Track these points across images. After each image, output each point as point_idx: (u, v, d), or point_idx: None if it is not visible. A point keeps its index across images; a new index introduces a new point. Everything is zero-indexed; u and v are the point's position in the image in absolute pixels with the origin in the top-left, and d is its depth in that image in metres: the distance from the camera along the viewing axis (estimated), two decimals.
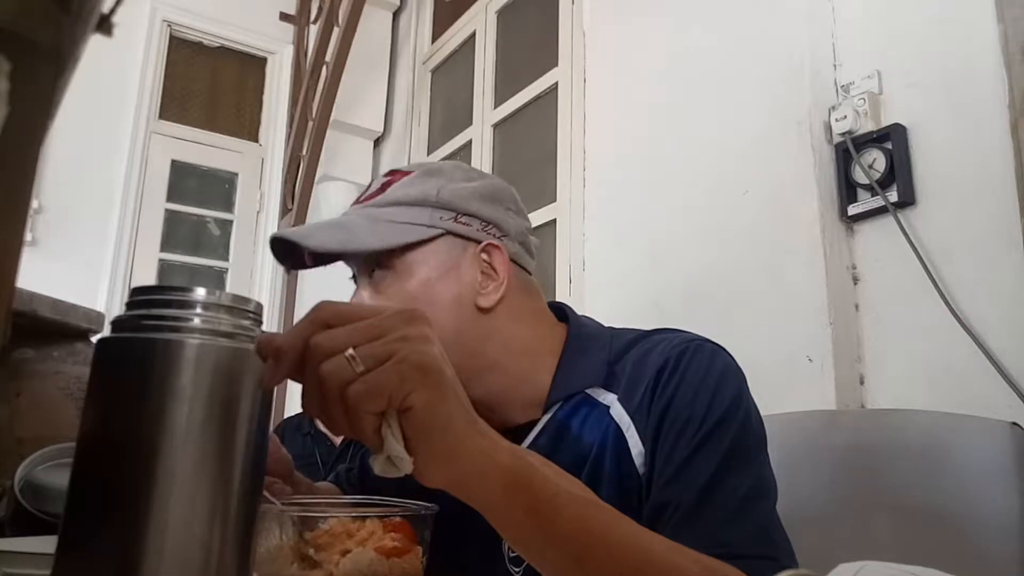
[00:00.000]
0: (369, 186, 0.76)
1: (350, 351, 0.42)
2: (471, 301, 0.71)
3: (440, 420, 0.44)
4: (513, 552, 0.69)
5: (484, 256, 0.72)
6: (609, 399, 0.69)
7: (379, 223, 0.70)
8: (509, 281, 0.72)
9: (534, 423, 0.72)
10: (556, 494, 0.48)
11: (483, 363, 0.71)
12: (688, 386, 0.65)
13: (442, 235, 0.71)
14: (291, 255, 0.73)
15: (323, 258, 0.74)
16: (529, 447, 0.71)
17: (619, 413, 0.68)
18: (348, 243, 0.69)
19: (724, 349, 0.70)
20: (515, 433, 0.72)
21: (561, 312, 0.79)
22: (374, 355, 0.42)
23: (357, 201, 0.75)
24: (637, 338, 0.73)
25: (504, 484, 0.46)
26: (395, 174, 0.75)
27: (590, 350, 0.73)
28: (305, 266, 0.75)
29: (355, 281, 0.75)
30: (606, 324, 0.80)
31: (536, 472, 0.48)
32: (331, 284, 0.92)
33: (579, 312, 0.81)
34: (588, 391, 0.70)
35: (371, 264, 0.71)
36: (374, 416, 0.43)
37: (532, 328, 0.74)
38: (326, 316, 0.44)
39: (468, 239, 0.72)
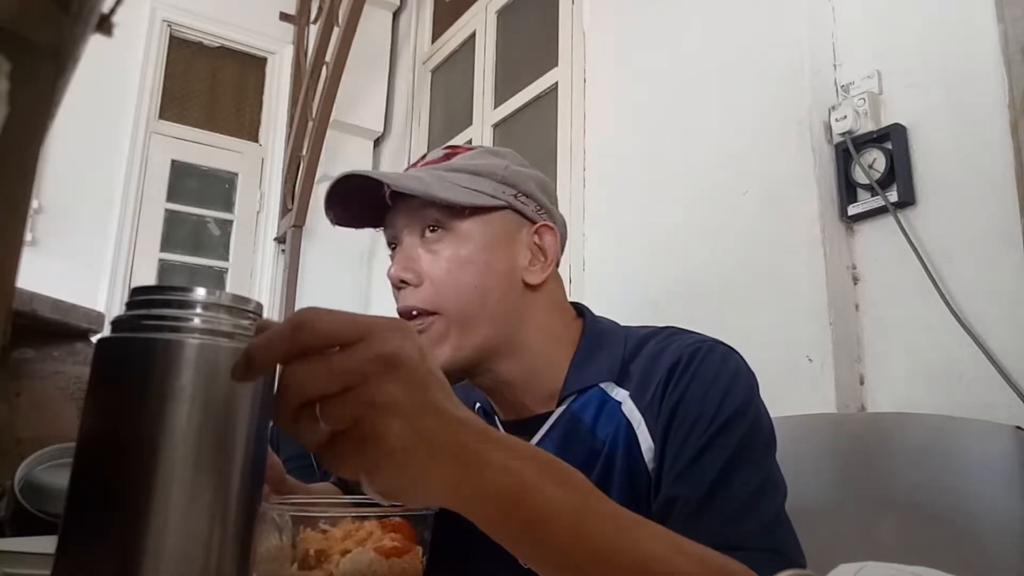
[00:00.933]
0: (425, 155, 0.79)
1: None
2: (519, 276, 0.74)
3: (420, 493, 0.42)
4: None
5: (536, 237, 0.75)
6: (621, 395, 0.70)
7: (447, 183, 0.73)
8: (554, 265, 0.75)
9: (548, 415, 0.73)
10: (547, 518, 0.44)
11: (516, 339, 0.73)
12: (700, 385, 0.66)
13: (504, 208, 0.74)
14: (342, 207, 0.76)
15: (372, 219, 0.77)
16: (543, 438, 0.72)
17: (630, 409, 0.69)
18: (421, 190, 0.71)
19: (737, 352, 0.71)
20: (529, 424, 0.74)
21: (578, 309, 0.81)
22: (337, 417, 0.39)
23: (414, 165, 0.78)
24: (650, 335, 0.75)
25: (488, 515, 0.44)
26: (456, 148, 0.79)
27: (605, 346, 0.75)
28: (351, 224, 0.78)
29: (392, 249, 0.77)
30: None
31: (528, 492, 0.44)
32: (330, 283, 0.92)
33: None
34: (601, 386, 0.72)
35: (427, 222, 0.73)
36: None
37: (560, 317, 0.77)
38: (308, 332, 0.39)
39: (525, 217, 0.75)
